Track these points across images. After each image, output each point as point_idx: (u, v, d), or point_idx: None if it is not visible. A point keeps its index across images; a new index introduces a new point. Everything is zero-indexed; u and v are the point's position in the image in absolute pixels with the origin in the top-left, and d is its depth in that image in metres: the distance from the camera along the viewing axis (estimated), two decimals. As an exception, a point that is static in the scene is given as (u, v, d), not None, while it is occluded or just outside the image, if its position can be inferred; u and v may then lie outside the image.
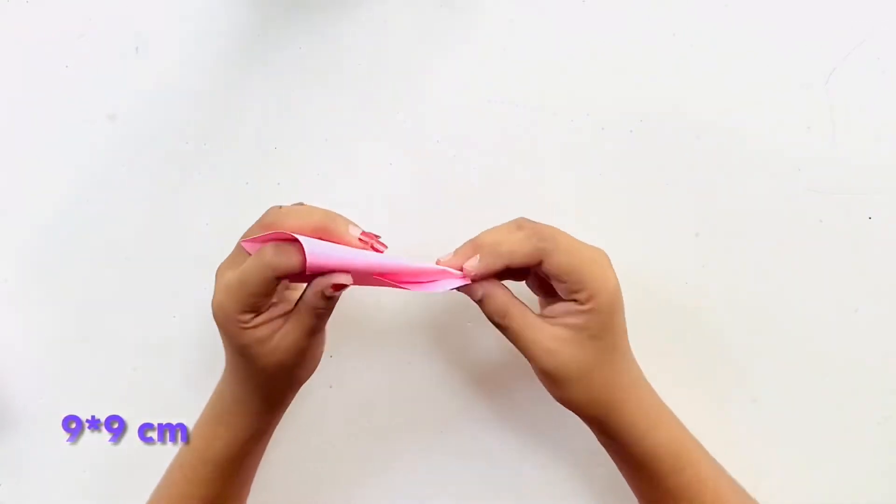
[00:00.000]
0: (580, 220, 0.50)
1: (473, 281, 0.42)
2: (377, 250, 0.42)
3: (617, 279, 0.42)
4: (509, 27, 0.50)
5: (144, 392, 0.54)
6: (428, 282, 0.43)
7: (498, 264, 0.42)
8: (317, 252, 0.40)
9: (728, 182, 0.49)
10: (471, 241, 0.43)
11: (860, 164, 0.48)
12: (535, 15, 0.50)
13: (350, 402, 0.53)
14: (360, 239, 0.42)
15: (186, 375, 0.54)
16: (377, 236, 0.43)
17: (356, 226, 0.42)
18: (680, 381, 0.49)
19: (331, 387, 0.53)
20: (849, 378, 0.49)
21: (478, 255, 0.42)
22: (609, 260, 0.42)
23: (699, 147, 0.49)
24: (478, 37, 0.51)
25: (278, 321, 0.43)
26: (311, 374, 0.46)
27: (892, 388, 0.49)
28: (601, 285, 0.41)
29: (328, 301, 0.42)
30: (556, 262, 0.41)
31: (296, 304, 0.43)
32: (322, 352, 0.46)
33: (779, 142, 0.49)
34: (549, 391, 0.44)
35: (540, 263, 0.41)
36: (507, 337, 0.43)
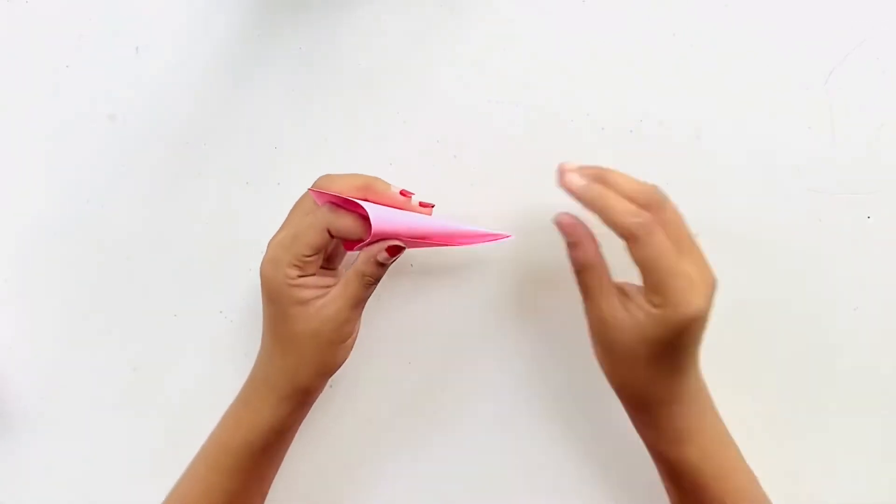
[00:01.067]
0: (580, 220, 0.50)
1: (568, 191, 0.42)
2: (425, 205, 0.45)
3: (704, 310, 0.40)
4: (509, 27, 0.50)
5: (144, 392, 0.54)
6: (478, 239, 0.46)
7: (593, 206, 0.41)
8: (381, 216, 0.42)
9: (728, 182, 0.49)
10: (605, 170, 0.42)
11: (860, 164, 0.48)
12: (535, 15, 0.50)
13: (350, 401, 0.53)
14: (401, 193, 0.44)
15: (187, 376, 0.54)
16: (414, 193, 0.45)
17: (397, 187, 0.44)
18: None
19: (331, 386, 0.53)
20: (849, 378, 0.49)
21: (586, 184, 0.42)
22: (710, 290, 0.41)
23: (699, 147, 0.49)
24: (478, 37, 0.51)
25: (323, 289, 0.44)
26: (339, 364, 0.46)
27: (891, 387, 0.49)
28: (680, 302, 0.39)
29: (380, 268, 0.43)
30: (640, 254, 0.40)
31: (343, 276, 0.44)
32: (353, 344, 0.46)
33: (779, 142, 0.49)
34: (597, 358, 0.44)
35: (628, 244, 0.40)
36: (579, 288, 0.43)
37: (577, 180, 0.42)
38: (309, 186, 0.45)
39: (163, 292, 0.54)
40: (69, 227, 0.54)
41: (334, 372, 0.47)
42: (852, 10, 0.48)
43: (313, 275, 0.45)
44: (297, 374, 0.45)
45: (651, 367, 0.41)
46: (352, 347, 0.47)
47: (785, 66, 0.48)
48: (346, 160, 0.52)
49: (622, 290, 0.42)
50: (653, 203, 0.41)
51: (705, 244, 0.49)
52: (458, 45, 0.51)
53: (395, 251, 0.43)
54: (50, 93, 0.54)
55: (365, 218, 0.42)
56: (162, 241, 0.54)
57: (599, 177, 0.42)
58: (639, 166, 0.50)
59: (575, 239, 0.43)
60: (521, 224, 0.50)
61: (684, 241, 0.41)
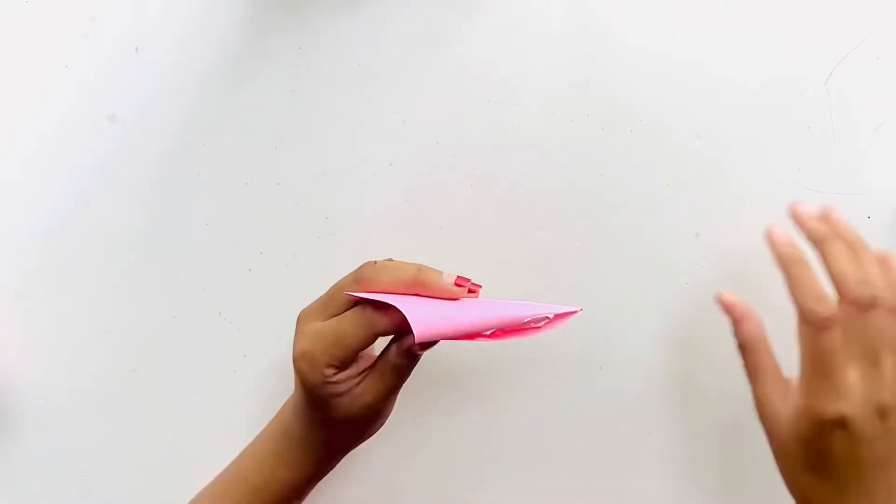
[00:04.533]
0: (580, 221, 0.50)
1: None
2: (473, 290, 0.42)
3: (854, 418, 0.37)
4: (509, 27, 0.50)
5: (143, 393, 0.54)
6: (532, 328, 0.41)
7: (780, 269, 0.40)
8: (425, 326, 0.39)
9: (728, 182, 0.49)
10: (828, 234, 0.40)
11: (859, 164, 0.48)
12: (536, 15, 0.50)
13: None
14: (457, 283, 0.41)
15: (186, 376, 0.54)
16: (468, 280, 0.42)
17: (449, 274, 0.41)
18: (680, 382, 0.49)
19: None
20: (849, 378, 0.49)
21: (789, 248, 0.40)
22: (873, 409, 0.38)
23: (699, 147, 0.49)
24: (478, 37, 0.51)
25: (358, 376, 0.43)
26: (377, 430, 0.46)
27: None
28: (823, 397, 0.38)
29: (412, 360, 0.42)
30: (800, 338, 0.40)
31: (376, 361, 0.43)
32: (391, 410, 0.45)
33: (778, 142, 0.49)
34: None
35: (805, 331, 0.40)
36: (745, 370, 0.43)
37: (781, 238, 0.41)
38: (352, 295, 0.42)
39: (162, 293, 0.54)
40: (69, 227, 0.54)
41: (370, 436, 0.46)
42: (852, 10, 0.48)
43: (347, 368, 0.43)
44: (335, 445, 0.45)
45: (806, 472, 0.39)
46: (389, 415, 0.46)
47: (785, 66, 0.48)
48: (345, 160, 0.52)
49: (787, 381, 0.41)
50: (858, 299, 0.38)
51: (705, 244, 0.50)
52: (459, 45, 0.51)
53: (425, 346, 0.41)
54: (50, 93, 0.54)
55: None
56: (161, 242, 0.54)
57: (818, 238, 0.40)
58: (639, 166, 0.50)
59: (736, 316, 0.42)
60: (521, 224, 0.50)
61: (871, 355, 0.38)
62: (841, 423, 0.37)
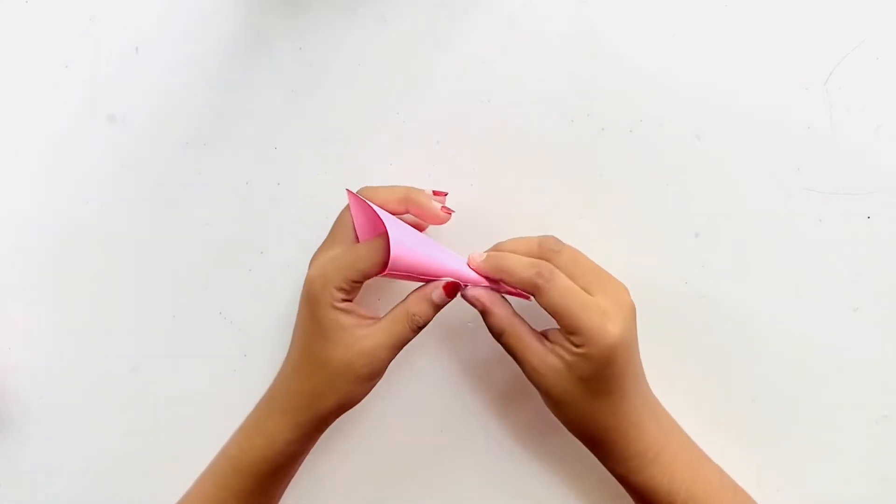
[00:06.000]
0: (580, 220, 0.50)
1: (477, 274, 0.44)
2: (439, 193, 0.46)
3: (623, 335, 0.41)
4: (509, 27, 0.50)
5: (143, 393, 0.54)
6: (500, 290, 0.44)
7: (494, 274, 0.43)
8: (400, 240, 0.42)
9: (728, 182, 0.49)
10: (499, 243, 0.44)
11: (859, 164, 0.48)
12: (536, 15, 0.50)
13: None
14: (434, 193, 0.46)
15: (186, 376, 0.54)
16: (445, 193, 0.46)
17: (436, 200, 0.46)
18: (680, 381, 0.49)
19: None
20: (848, 378, 0.49)
21: (485, 257, 0.43)
22: (626, 312, 0.42)
23: (699, 147, 0.49)
24: (478, 37, 0.51)
25: (364, 319, 0.44)
26: (358, 401, 0.46)
27: (891, 387, 0.49)
28: (597, 336, 0.40)
29: (432, 309, 0.43)
30: (546, 301, 0.41)
31: (390, 311, 0.44)
32: (375, 384, 0.46)
33: (778, 142, 0.49)
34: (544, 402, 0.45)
35: (535, 296, 0.42)
36: (506, 351, 0.44)
37: (476, 258, 0.44)
38: (349, 193, 0.45)
39: (162, 293, 0.54)
40: (69, 227, 0.54)
41: (351, 407, 0.46)
42: (852, 10, 0.48)
43: (355, 301, 0.45)
44: (316, 401, 0.45)
45: (593, 402, 0.42)
46: (373, 387, 0.46)
47: (784, 66, 0.48)
48: (345, 160, 0.52)
49: (546, 338, 0.43)
50: (545, 252, 0.43)
51: (705, 244, 0.50)
52: (458, 45, 0.51)
53: (452, 291, 0.43)
54: (50, 93, 0.54)
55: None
56: (161, 242, 0.54)
57: (494, 248, 0.44)
58: (639, 166, 0.50)
59: (484, 307, 0.43)
60: (521, 224, 0.50)
61: (589, 276, 0.42)
62: (622, 342, 0.41)
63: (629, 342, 0.42)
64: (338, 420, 0.52)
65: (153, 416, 0.54)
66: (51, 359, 0.55)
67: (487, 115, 0.51)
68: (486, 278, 0.44)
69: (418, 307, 0.43)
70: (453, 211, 0.46)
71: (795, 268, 0.49)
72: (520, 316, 0.44)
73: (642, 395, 0.44)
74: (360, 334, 0.43)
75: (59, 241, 0.54)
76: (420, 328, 0.44)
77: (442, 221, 0.46)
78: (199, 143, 0.53)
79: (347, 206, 0.46)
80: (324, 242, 0.46)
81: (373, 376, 0.45)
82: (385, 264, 0.42)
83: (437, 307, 0.44)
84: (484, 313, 0.43)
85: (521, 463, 0.52)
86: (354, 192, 0.45)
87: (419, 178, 0.51)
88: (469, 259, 0.44)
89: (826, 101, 0.48)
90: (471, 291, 0.44)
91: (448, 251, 0.45)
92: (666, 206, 0.50)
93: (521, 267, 0.42)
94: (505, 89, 0.51)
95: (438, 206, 0.45)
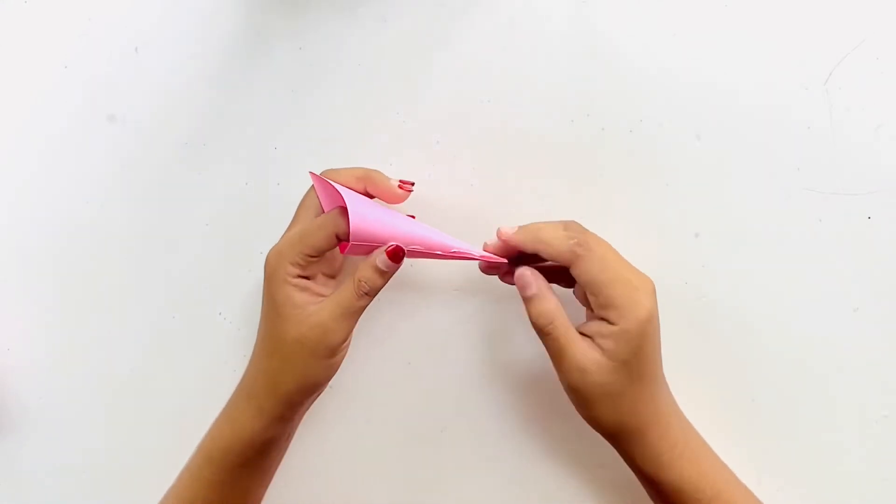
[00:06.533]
0: (580, 221, 0.50)
1: (504, 252, 0.44)
2: (404, 185, 0.46)
3: (653, 309, 0.41)
4: (509, 27, 0.50)
5: (143, 393, 0.54)
6: (466, 256, 0.45)
7: (531, 245, 0.42)
8: (362, 213, 0.42)
9: (728, 182, 0.49)
10: (522, 226, 0.44)
11: (859, 165, 0.48)
12: (536, 15, 0.50)
13: (349, 401, 0.53)
14: (400, 184, 0.46)
15: (185, 376, 0.54)
16: (410, 182, 0.46)
17: (394, 180, 0.46)
18: (680, 381, 0.49)
19: (331, 387, 0.53)
20: (848, 377, 0.49)
21: (517, 229, 0.43)
22: (651, 289, 0.42)
23: (699, 147, 0.49)
24: (477, 37, 0.51)
25: (319, 296, 0.44)
26: (322, 383, 0.45)
27: (891, 387, 0.49)
28: (631, 308, 0.41)
29: (378, 276, 0.43)
30: (584, 269, 0.41)
31: (340, 285, 0.44)
32: (339, 363, 0.45)
33: (778, 142, 0.49)
34: (575, 407, 0.44)
35: (571, 266, 0.41)
36: (545, 343, 0.43)
37: (507, 230, 0.43)
38: (312, 175, 0.45)
39: (161, 293, 0.54)
40: (69, 227, 0.54)
41: (316, 390, 0.45)
42: (852, 10, 0.48)
43: (312, 279, 0.45)
44: (277, 382, 0.44)
45: (632, 390, 0.42)
46: (337, 367, 0.45)
47: (784, 66, 0.48)
48: (345, 160, 0.52)
49: (583, 333, 0.42)
50: (576, 229, 0.43)
51: (705, 244, 0.50)
52: (458, 45, 0.51)
53: (396, 256, 0.42)
54: (50, 93, 0.54)
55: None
56: (161, 242, 0.54)
57: (520, 227, 0.44)
58: (639, 166, 0.50)
59: (534, 293, 0.43)
60: (521, 223, 0.50)
61: (598, 244, 0.43)
62: (653, 316, 0.42)
63: (657, 319, 0.42)
64: (337, 420, 0.52)
65: (153, 417, 0.54)
66: (51, 359, 0.55)
67: (487, 115, 0.51)
68: (469, 253, 0.44)
69: (363, 273, 0.43)
70: (412, 183, 0.46)
71: (795, 268, 0.49)
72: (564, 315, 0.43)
73: (667, 390, 0.44)
74: (311, 309, 0.43)
75: (58, 241, 0.54)
76: (367, 295, 0.43)
77: (400, 199, 0.47)
78: (199, 143, 0.53)
79: (311, 188, 0.47)
80: (290, 224, 0.46)
81: (328, 351, 0.43)
82: (337, 237, 0.43)
83: (383, 273, 0.43)
84: (530, 300, 0.43)
85: (522, 462, 0.52)
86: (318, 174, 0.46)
87: (419, 178, 0.51)
88: (499, 232, 0.44)
89: (826, 101, 0.48)
90: (520, 273, 0.43)
91: (419, 223, 0.45)
92: (666, 206, 0.50)
93: (559, 238, 0.42)
94: (505, 89, 0.51)
95: (395, 183, 0.46)
